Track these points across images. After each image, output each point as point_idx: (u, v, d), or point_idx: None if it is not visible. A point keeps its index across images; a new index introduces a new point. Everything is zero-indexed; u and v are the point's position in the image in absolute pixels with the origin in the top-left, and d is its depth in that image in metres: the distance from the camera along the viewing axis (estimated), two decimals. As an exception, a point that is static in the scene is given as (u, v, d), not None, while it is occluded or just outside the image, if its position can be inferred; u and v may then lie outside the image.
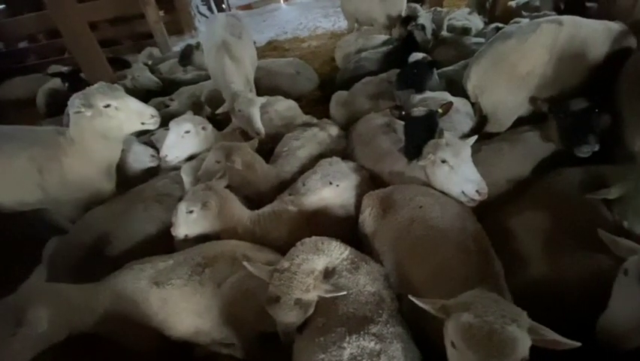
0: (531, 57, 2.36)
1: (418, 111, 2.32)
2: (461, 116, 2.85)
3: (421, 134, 2.26)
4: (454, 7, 7.38)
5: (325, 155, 2.69)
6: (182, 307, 1.76)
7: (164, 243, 2.23)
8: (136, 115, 2.27)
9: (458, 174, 1.99)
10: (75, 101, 2.10)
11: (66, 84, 4.24)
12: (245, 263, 1.59)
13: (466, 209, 1.98)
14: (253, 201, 2.51)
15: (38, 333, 1.54)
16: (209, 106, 3.76)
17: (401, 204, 1.99)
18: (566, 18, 2.38)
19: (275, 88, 4.13)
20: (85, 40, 3.04)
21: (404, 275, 1.74)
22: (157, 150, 2.91)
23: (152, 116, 2.33)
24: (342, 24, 7.59)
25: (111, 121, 2.20)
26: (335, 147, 2.87)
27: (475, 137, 2.17)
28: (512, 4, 5.28)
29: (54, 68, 4.83)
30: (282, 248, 1.99)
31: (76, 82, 4.24)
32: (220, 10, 9.84)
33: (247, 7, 10.27)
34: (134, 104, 2.27)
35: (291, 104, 3.52)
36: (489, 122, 2.72)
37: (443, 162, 2.01)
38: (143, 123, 2.32)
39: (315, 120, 3.12)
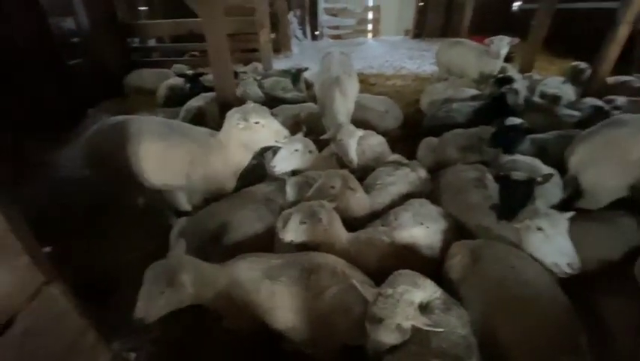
0: (643, 147, 2.44)
1: (518, 175, 2.47)
2: (552, 186, 2.93)
3: (518, 197, 2.41)
4: (542, 70, 7.41)
5: (413, 195, 2.91)
6: (286, 303, 2.02)
7: (265, 242, 2.58)
8: (274, 134, 2.70)
9: (553, 244, 2.10)
10: (235, 115, 2.59)
11: (188, 85, 4.96)
12: (354, 281, 1.83)
13: (555, 279, 2.08)
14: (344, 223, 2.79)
15: (179, 295, 1.90)
16: (306, 127, 4.17)
17: (492, 259, 2.13)
18: (683, 116, 2.45)
19: (364, 121, 4.47)
20: (223, 49, 3.60)
21: (490, 329, 1.85)
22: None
23: (285, 137, 2.74)
24: (427, 68, 7.92)
25: (255, 135, 2.65)
26: (422, 189, 3.07)
27: (573, 213, 2.26)
28: (611, 80, 5.22)
29: (178, 68, 5.62)
30: (368, 272, 2.24)
31: (197, 84, 4.95)
32: (314, 36, 10.72)
33: (337, 37, 11.05)
34: (276, 125, 2.70)
35: (381, 139, 3.81)
36: (584, 198, 2.78)
37: (539, 229, 2.14)
38: (276, 141, 2.74)
39: (405, 160, 3.36)
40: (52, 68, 5.18)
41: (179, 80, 5.33)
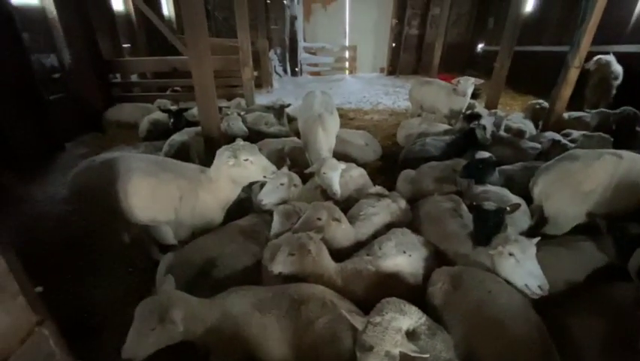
0: (594, 179, 2.76)
1: (489, 205, 2.68)
2: (520, 214, 3.17)
3: (490, 225, 2.61)
4: (506, 106, 8.07)
5: (394, 225, 3.06)
6: (277, 335, 2.04)
7: (253, 274, 2.61)
8: (263, 170, 2.82)
9: (524, 268, 2.27)
10: (226, 153, 2.71)
11: (171, 120, 5.06)
12: (343, 311, 1.89)
13: (527, 300, 2.23)
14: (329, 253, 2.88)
15: (169, 332, 1.90)
16: (290, 160, 4.32)
17: (470, 285, 2.27)
18: (625, 153, 2.85)
19: (345, 154, 4.70)
20: (209, 86, 3.76)
21: (471, 351, 1.97)
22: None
23: (273, 173, 2.86)
24: (401, 103, 8.42)
25: (244, 171, 2.77)
26: (403, 219, 3.24)
27: (539, 238, 2.47)
28: (565, 115, 5.77)
29: (161, 103, 5.72)
30: (356, 301, 2.32)
31: (180, 120, 5.05)
32: (294, 72, 11.20)
33: (316, 73, 11.60)
34: (264, 161, 2.84)
35: (362, 172, 4.00)
36: (548, 225, 3.03)
37: (511, 255, 2.31)
38: (264, 177, 2.86)
39: (386, 192, 3.54)
40: (30, 102, 5.18)
41: (161, 115, 5.42)
